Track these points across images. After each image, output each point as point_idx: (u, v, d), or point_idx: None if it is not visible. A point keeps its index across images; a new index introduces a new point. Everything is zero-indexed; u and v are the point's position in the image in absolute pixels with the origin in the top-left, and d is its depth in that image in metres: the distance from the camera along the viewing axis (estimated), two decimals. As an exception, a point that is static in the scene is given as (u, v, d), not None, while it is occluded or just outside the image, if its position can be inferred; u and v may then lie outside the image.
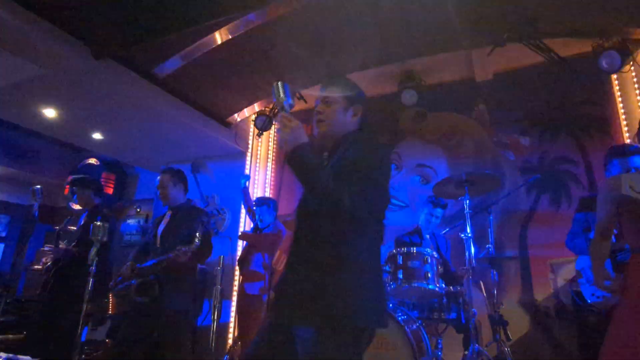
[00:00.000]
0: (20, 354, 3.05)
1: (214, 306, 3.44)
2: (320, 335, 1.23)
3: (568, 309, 3.43)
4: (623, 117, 3.76)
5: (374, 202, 1.34)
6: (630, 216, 1.68)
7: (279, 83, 1.41)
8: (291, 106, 1.40)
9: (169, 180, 2.98)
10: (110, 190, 6.07)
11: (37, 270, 3.51)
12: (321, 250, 1.34)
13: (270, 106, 5.18)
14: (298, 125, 1.33)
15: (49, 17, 3.21)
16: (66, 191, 3.75)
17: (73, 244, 3.36)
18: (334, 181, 1.27)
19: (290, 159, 1.30)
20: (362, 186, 1.30)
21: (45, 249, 3.36)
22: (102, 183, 5.92)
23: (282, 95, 1.39)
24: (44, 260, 3.41)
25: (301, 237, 1.43)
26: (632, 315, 1.55)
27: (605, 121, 3.85)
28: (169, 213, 3.01)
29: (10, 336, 4.01)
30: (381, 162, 1.44)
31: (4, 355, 2.99)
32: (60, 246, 3.31)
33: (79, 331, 2.37)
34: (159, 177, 3.00)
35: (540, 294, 3.72)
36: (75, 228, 3.55)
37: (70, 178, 3.71)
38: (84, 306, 2.37)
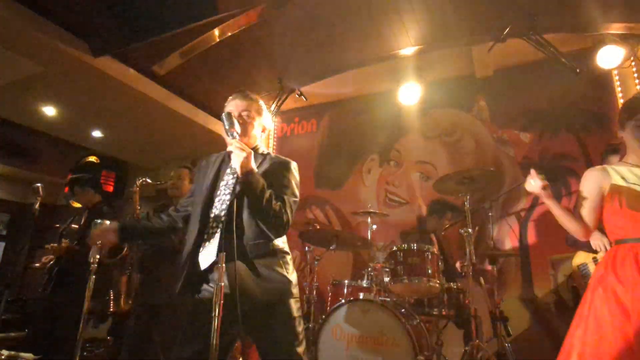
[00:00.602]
0: (22, 352, 3.07)
1: (215, 303, 3.45)
2: None
3: (568, 305, 3.44)
4: (623, 112, 3.75)
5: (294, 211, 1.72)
6: (618, 206, 1.64)
7: (224, 115, 1.65)
8: (238, 133, 1.62)
9: (187, 177, 3.14)
10: (110, 188, 6.06)
11: (38, 268, 3.51)
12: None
13: (271, 102, 5.17)
14: (250, 152, 1.57)
15: (47, 14, 3.20)
16: (66, 190, 3.75)
17: (75, 242, 3.37)
18: (275, 200, 1.61)
19: (245, 180, 1.56)
20: (292, 204, 1.69)
21: (47, 247, 3.37)
22: (103, 181, 5.91)
23: (227, 125, 1.62)
24: (44, 258, 3.43)
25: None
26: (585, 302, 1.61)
27: (605, 117, 3.85)
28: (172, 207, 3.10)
29: (12, 334, 4.02)
30: (298, 182, 1.79)
31: (6, 352, 3.01)
32: (63, 244, 3.32)
33: (81, 329, 2.37)
34: (178, 171, 3.15)
35: (541, 290, 3.73)
36: (77, 226, 3.57)
37: (69, 176, 3.71)
38: (86, 304, 2.37)
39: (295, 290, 1.71)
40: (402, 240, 3.52)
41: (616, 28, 3.61)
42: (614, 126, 3.78)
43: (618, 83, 3.85)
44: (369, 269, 3.03)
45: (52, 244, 3.30)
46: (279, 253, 1.69)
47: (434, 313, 3.02)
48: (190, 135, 5.09)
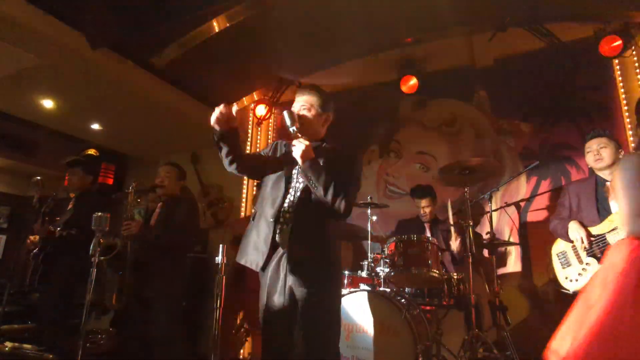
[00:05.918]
0: (25, 344, 3.10)
1: (217, 294, 3.47)
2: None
3: (567, 294, 3.47)
4: (624, 102, 3.73)
5: (353, 200, 1.88)
6: None
7: (285, 112, 1.84)
8: (297, 129, 1.81)
9: (175, 174, 3.20)
10: (110, 181, 6.05)
11: (27, 246, 3.42)
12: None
13: (270, 94, 5.16)
14: (309, 144, 1.77)
15: (45, 6, 3.17)
16: (66, 182, 3.70)
17: (59, 227, 3.29)
18: (335, 186, 1.75)
19: (307, 168, 1.76)
20: (353, 192, 1.88)
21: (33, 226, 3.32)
22: (102, 174, 5.91)
23: (289, 121, 1.82)
24: (30, 239, 3.31)
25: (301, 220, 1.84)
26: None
27: (606, 106, 3.83)
28: (160, 203, 3.18)
29: (16, 326, 4.05)
30: (359, 172, 2.00)
31: (9, 344, 3.03)
32: (48, 228, 3.24)
33: (84, 320, 2.39)
34: (165, 168, 3.19)
35: (540, 279, 3.75)
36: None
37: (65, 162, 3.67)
38: (88, 295, 2.38)
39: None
40: (399, 228, 3.54)
41: (618, 17, 3.58)
42: (615, 116, 3.78)
43: (619, 72, 3.83)
44: (369, 260, 3.04)
45: (36, 225, 3.26)
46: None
47: (434, 303, 3.04)
48: (189, 127, 5.07)
